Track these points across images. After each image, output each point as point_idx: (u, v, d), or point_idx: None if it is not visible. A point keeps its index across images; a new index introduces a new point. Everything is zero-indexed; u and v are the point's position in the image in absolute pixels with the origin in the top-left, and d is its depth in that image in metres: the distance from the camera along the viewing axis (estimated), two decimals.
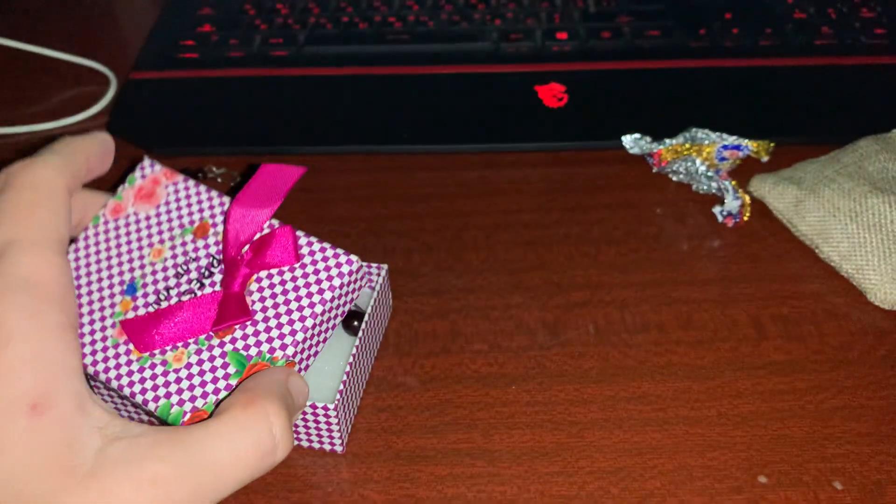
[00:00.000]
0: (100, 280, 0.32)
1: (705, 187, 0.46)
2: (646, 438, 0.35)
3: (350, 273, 0.31)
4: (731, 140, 0.46)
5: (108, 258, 0.33)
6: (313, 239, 0.32)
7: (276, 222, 0.32)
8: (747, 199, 0.44)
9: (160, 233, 0.33)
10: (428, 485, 0.33)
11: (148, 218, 0.34)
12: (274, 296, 0.30)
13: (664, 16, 0.58)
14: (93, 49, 0.59)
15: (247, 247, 0.31)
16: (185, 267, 0.32)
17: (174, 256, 0.32)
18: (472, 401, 0.37)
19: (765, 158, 0.46)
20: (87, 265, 0.33)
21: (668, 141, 0.47)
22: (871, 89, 0.52)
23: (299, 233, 0.32)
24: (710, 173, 0.45)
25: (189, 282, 0.31)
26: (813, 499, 0.32)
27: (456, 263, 0.43)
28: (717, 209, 0.45)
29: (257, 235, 0.31)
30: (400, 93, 0.53)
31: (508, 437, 0.35)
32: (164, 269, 0.32)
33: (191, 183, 0.34)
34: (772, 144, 0.46)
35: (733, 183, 0.44)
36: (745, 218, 0.44)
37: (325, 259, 0.31)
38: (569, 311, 0.40)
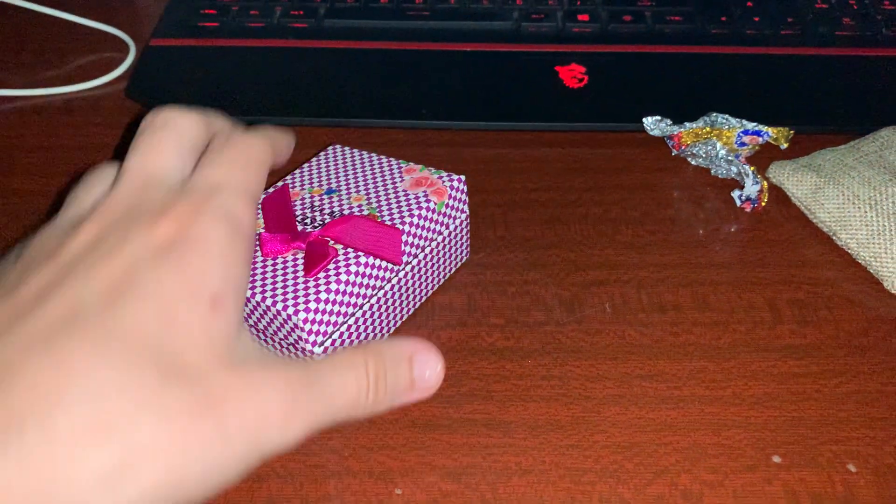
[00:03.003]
0: None
1: (724, 171, 0.46)
2: (661, 415, 0.35)
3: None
4: (752, 126, 0.46)
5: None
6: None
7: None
8: (766, 184, 0.44)
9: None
10: (443, 453, 0.33)
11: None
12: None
13: (685, 2, 0.58)
14: (112, 15, 0.59)
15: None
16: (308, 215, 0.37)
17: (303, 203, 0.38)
18: (487, 373, 0.37)
19: (784, 145, 0.46)
20: None
21: (688, 124, 0.47)
22: (892, 80, 0.52)
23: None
24: (730, 157, 0.45)
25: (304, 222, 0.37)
26: (827, 480, 0.33)
27: (473, 239, 0.43)
28: (735, 193, 0.45)
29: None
30: (420, 68, 0.53)
31: (524, 410, 0.35)
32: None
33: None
34: (791, 132, 0.46)
35: (752, 168, 0.44)
36: (763, 203, 0.44)
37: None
38: (586, 289, 0.40)
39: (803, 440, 0.34)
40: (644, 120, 0.47)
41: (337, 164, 0.40)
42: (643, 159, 0.48)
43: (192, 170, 0.27)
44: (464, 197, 0.39)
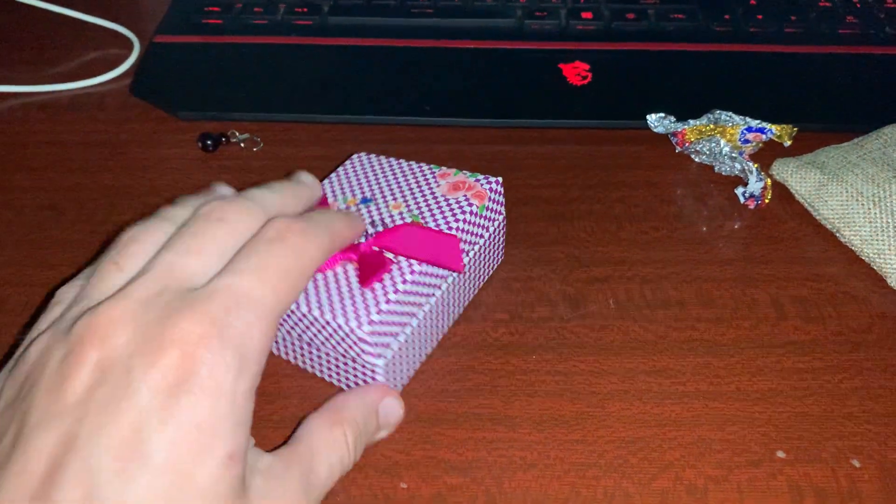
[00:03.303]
0: None
1: (728, 168, 0.46)
2: (665, 411, 0.35)
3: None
4: (755, 123, 0.46)
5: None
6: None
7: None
8: (769, 181, 0.44)
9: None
10: (448, 447, 0.34)
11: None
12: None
13: (688, 0, 0.58)
14: (116, 12, 0.59)
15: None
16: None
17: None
18: (492, 368, 0.37)
19: (787, 143, 0.46)
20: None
21: (692, 121, 0.47)
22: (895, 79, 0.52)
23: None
24: (733, 154, 0.45)
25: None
26: (831, 475, 0.33)
27: None
28: (739, 190, 0.45)
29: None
30: (423, 66, 0.53)
31: (528, 405, 0.35)
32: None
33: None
34: (795, 129, 0.46)
35: (756, 165, 0.45)
36: (767, 200, 0.44)
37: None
38: (590, 285, 0.41)
39: (807, 436, 0.34)
40: (648, 117, 0.47)
41: (366, 172, 0.39)
42: (647, 156, 0.48)
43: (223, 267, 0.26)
44: (501, 199, 0.38)
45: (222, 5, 0.57)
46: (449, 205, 0.36)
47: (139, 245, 0.26)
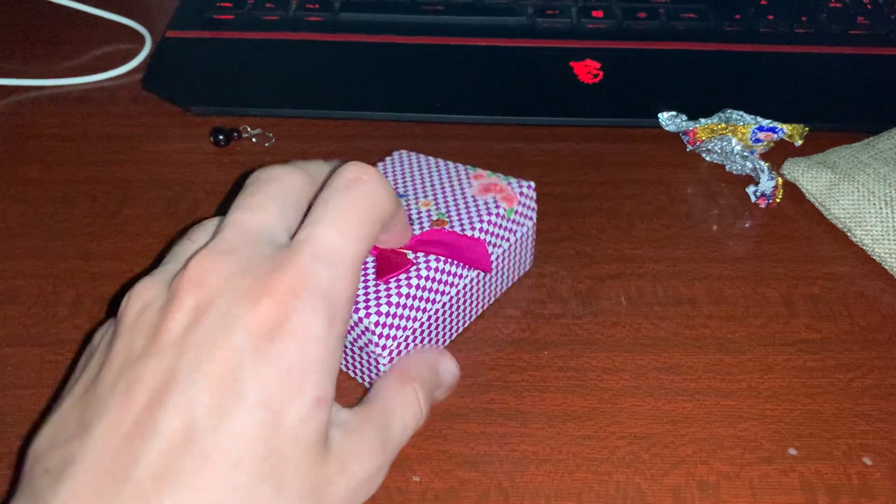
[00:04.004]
0: None
1: (739, 167, 0.46)
2: (677, 407, 0.35)
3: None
4: (767, 122, 0.46)
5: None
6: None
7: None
8: (780, 180, 0.44)
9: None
10: (461, 441, 0.34)
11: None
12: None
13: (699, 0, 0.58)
14: (128, 7, 0.60)
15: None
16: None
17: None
18: (504, 363, 0.37)
19: (798, 142, 0.46)
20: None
21: (703, 120, 0.47)
22: None
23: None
24: (745, 153, 0.45)
25: None
26: (843, 472, 0.33)
27: None
28: (750, 189, 0.45)
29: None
30: (434, 62, 0.53)
31: (540, 401, 0.35)
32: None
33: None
34: (806, 129, 0.46)
35: (767, 164, 0.45)
36: (778, 199, 0.44)
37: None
38: (601, 282, 0.41)
39: (819, 433, 0.34)
40: (659, 115, 0.47)
41: (403, 169, 0.39)
42: (658, 155, 0.48)
43: (297, 225, 0.27)
44: (533, 204, 0.38)
45: (234, 1, 0.57)
46: (477, 206, 0.36)
47: (204, 226, 0.29)
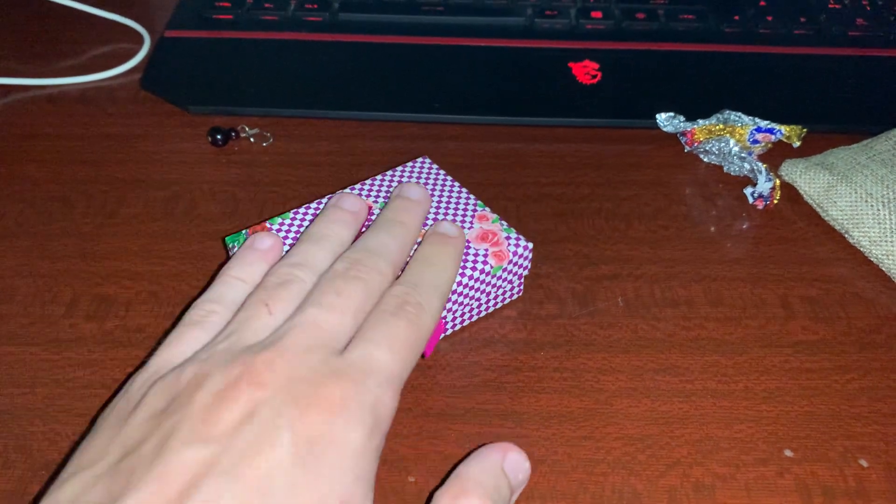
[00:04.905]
0: None
1: (737, 168, 0.46)
2: (673, 408, 0.35)
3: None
4: (765, 124, 0.46)
5: None
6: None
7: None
8: (778, 181, 0.44)
9: None
10: (456, 442, 0.34)
11: None
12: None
13: (698, 0, 0.58)
14: (127, 6, 0.60)
15: None
16: None
17: None
18: (500, 364, 0.37)
19: (796, 144, 0.46)
20: None
21: (701, 121, 0.47)
22: None
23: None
24: (743, 154, 0.45)
25: None
26: (839, 474, 0.33)
27: None
28: (748, 190, 0.45)
29: None
30: (433, 63, 0.53)
31: (536, 401, 0.35)
32: None
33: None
34: (804, 130, 0.46)
35: (765, 165, 0.45)
36: (776, 201, 0.44)
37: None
38: (598, 282, 0.41)
39: (815, 435, 0.34)
40: (657, 116, 0.47)
41: (419, 180, 0.39)
42: (656, 155, 0.48)
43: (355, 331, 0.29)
44: (526, 263, 0.37)
45: (233, 1, 0.57)
46: (466, 253, 0.36)
47: (287, 292, 0.30)
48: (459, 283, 0.35)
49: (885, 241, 0.41)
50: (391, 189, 0.39)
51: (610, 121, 0.49)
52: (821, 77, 0.52)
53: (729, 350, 0.37)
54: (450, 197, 0.39)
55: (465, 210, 0.38)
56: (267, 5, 0.57)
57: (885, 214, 0.41)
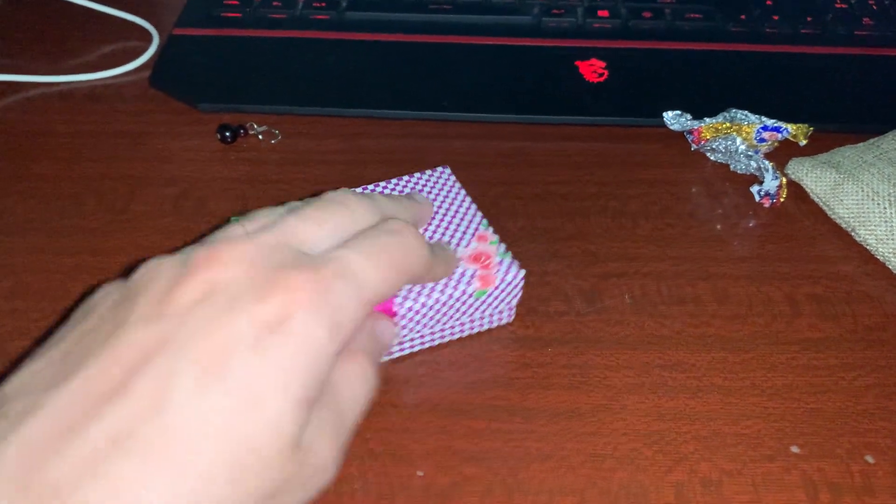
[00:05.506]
0: None
1: (743, 167, 0.46)
2: (680, 405, 0.35)
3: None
4: (771, 122, 0.46)
5: None
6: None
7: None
8: (785, 180, 0.45)
9: None
10: (465, 437, 0.34)
11: None
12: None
13: (705, 0, 0.58)
14: (136, 4, 0.60)
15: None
16: None
17: None
18: (508, 360, 0.37)
19: (803, 142, 0.46)
20: None
21: (708, 119, 0.47)
22: None
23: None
24: (749, 153, 0.45)
25: None
26: (845, 470, 0.33)
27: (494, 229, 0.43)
28: (754, 188, 0.45)
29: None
30: (440, 61, 0.53)
31: (544, 397, 0.35)
32: None
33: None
34: (811, 128, 0.46)
35: (772, 164, 0.45)
36: (782, 199, 0.44)
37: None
38: (605, 280, 0.41)
39: (822, 431, 0.34)
40: (664, 114, 0.47)
41: (433, 192, 0.39)
42: (662, 154, 0.48)
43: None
44: (516, 291, 0.36)
45: None
46: (453, 272, 0.35)
47: (265, 217, 0.28)
48: (438, 301, 0.34)
49: (892, 240, 0.41)
50: (403, 192, 0.39)
51: (617, 119, 0.50)
52: (827, 76, 0.52)
53: (736, 347, 0.38)
54: (457, 210, 0.38)
55: (468, 226, 0.37)
56: (275, 3, 0.57)
57: (891, 213, 0.41)
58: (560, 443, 0.34)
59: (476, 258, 0.36)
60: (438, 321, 0.35)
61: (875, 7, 0.57)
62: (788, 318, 0.39)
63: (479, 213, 0.38)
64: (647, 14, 0.57)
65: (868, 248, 0.42)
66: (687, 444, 0.34)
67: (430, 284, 0.34)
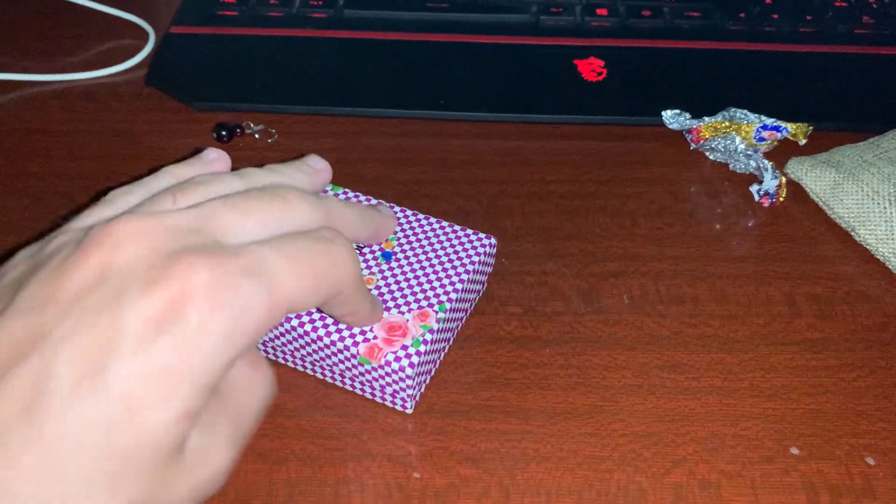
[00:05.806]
0: None
1: (742, 166, 0.46)
2: (679, 406, 0.35)
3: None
4: (771, 121, 0.46)
5: None
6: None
7: None
8: (784, 179, 0.44)
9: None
10: (462, 438, 0.34)
11: None
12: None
13: None
14: (132, 3, 0.60)
15: None
16: None
17: None
18: (505, 361, 0.37)
19: (802, 141, 0.46)
20: None
21: (707, 119, 0.47)
22: None
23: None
24: (748, 152, 0.45)
25: None
26: (845, 472, 0.33)
27: (491, 229, 0.43)
28: (754, 188, 0.45)
29: None
30: (438, 60, 0.53)
31: (542, 398, 0.35)
32: None
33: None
34: (810, 128, 0.46)
35: (771, 163, 0.44)
36: (782, 199, 0.44)
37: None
38: (604, 280, 0.41)
39: (821, 433, 0.34)
40: (663, 113, 0.47)
41: (458, 251, 0.37)
42: (661, 153, 0.48)
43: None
44: (403, 385, 0.32)
45: None
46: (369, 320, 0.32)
47: (204, 188, 0.25)
48: (317, 337, 0.33)
49: (892, 239, 0.40)
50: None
51: (615, 118, 0.49)
52: (827, 75, 0.52)
53: (734, 347, 0.37)
54: (417, 227, 0.37)
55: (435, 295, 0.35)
56: (272, 2, 0.57)
57: (891, 212, 0.41)
58: (557, 444, 0.34)
59: (393, 328, 0.33)
60: (324, 358, 0.34)
61: (875, 5, 0.57)
62: (787, 319, 0.39)
63: (458, 291, 0.35)
64: (645, 13, 0.56)
65: (868, 247, 0.42)
66: (685, 445, 0.34)
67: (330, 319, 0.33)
